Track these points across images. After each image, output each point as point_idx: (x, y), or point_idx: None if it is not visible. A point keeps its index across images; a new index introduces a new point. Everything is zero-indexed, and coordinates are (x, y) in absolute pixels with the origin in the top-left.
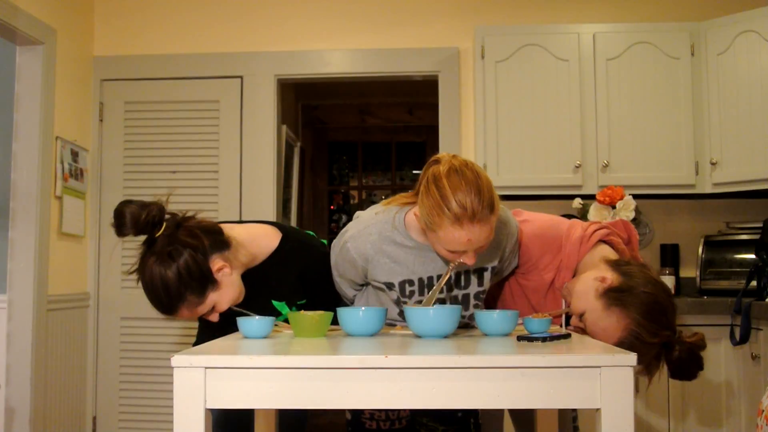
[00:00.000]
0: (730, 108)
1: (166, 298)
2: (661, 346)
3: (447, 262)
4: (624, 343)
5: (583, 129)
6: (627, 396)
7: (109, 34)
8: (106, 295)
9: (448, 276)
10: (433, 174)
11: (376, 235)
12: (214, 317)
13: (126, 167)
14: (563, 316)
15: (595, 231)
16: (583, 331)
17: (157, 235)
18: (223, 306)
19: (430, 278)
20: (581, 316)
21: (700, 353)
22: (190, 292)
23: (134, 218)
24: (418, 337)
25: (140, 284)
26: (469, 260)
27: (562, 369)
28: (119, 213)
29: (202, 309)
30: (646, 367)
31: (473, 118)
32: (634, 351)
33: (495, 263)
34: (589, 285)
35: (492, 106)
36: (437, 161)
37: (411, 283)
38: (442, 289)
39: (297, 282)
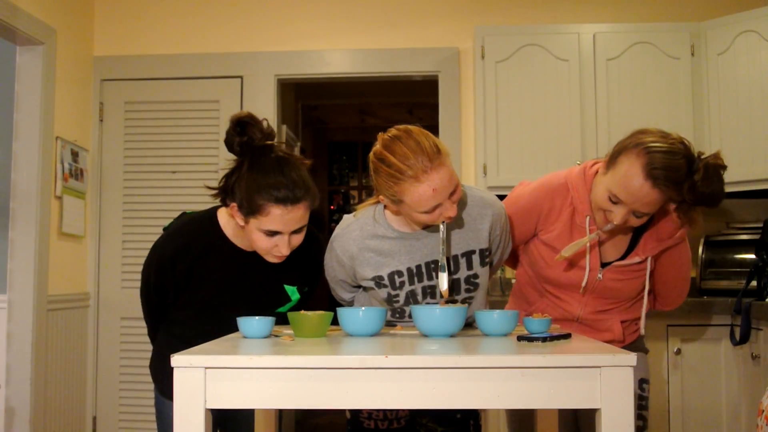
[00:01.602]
0: (730, 108)
1: (302, 185)
2: (686, 165)
3: (436, 243)
4: (655, 168)
5: (583, 129)
6: (627, 396)
7: (109, 34)
8: (106, 295)
9: (444, 234)
10: (373, 155)
11: (358, 231)
12: (286, 249)
13: (126, 167)
14: (597, 241)
15: (595, 163)
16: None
17: (273, 143)
18: (300, 238)
19: (418, 266)
20: (612, 201)
21: (720, 172)
22: (312, 196)
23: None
24: (420, 336)
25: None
26: (449, 212)
27: (562, 369)
28: (249, 117)
29: (305, 219)
30: (682, 210)
31: (473, 118)
32: (669, 182)
33: (483, 245)
34: (595, 183)
35: (492, 106)
36: (375, 142)
37: (400, 273)
38: (445, 270)
39: (306, 269)
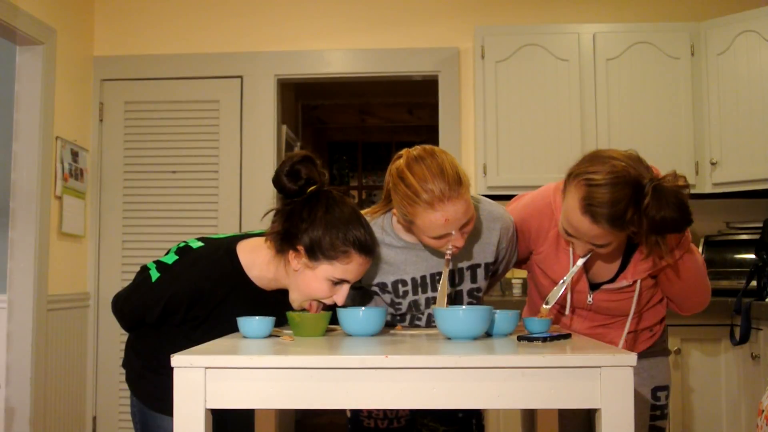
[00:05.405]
0: (730, 108)
1: (375, 238)
2: (631, 193)
3: (443, 254)
4: (591, 204)
5: (583, 129)
6: (627, 396)
7: (109, 34)
8: (106, 295)
9: (448, 267)
10: (396, 169)
11: None
12: (343, 300)
13: (126, 167)
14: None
15: None
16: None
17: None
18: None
19: (423, 277)
20: (568, 233)
21: (680, 196)
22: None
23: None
24: (420, 336)
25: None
26: (457, 242)
27: (562, 369)
28: (308, 157)
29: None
30: (643, 239)
31: (473, 118)
32: (610, 217)
33: (489, 259)
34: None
35: (492, 106)
36: (399, 157)
37: (404, 283)
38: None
39: None
